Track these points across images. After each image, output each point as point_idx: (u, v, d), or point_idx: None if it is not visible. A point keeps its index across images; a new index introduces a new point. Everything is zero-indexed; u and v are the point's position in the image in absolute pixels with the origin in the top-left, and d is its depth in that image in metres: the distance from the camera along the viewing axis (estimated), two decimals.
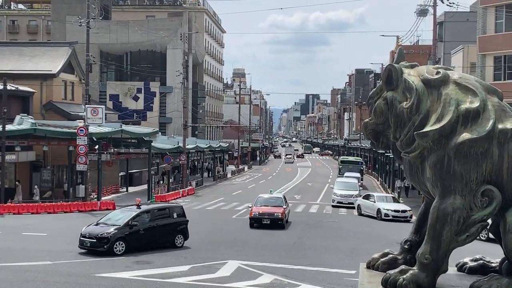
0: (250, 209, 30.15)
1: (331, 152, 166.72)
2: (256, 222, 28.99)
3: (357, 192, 42.89)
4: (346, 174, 53.79)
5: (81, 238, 21.77)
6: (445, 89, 7.25)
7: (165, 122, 75.07)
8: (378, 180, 68.60)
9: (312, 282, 17.55)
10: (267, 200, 30.87)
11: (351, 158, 69.84)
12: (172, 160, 51.38)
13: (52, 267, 19.20)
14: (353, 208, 39.71)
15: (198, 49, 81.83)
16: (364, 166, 69.21)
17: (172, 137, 60.86)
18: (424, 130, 7.10)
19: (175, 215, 23.81)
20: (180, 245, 23.37)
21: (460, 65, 46.60)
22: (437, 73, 7.43)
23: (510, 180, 6.98)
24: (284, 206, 29.99)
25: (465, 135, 6.94)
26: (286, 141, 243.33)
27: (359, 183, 49.55)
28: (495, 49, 42.21)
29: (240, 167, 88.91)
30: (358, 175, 54.80)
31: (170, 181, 53.45)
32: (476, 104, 7.08)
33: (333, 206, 41.43)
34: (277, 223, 28.65)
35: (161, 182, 54.34)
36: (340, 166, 62.94)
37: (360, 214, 37.37)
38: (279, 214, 28.85)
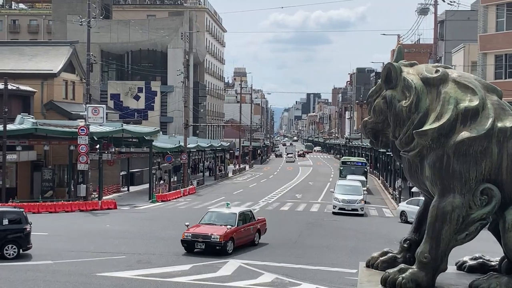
0: (187, 227, 22.59)
1: (313, 149, 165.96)
2: (189, 247, 21.85)
3: (361, 197, 37.97)
4: (349, 177, 48.88)
5: None
6: (444, 88, 7.26)
7: (166, 122, 75.10)
8: (379, 180, 68.54)
9: (313, 281, 17.55)
10: (217, 216, 23.69)
11: (353, 159, 62.82)
12: (173, 159, 51.42)
13: (53, 266, 19.23)
14: (358, 215, 36.11)
15: (199, 48, 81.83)
16: (368, 167, 63.19)
17: (173, 136, 60.88)
18: (423, 128, 7.10)
19: (5, 222, 20.56)
20: (12, 256, 20.25)
21: (461, 63, 46.58)
22: (436, 71, 7.42)
23: (509, 178, 6.98)
24: (229, 227, 22.28)
25: (464, 134, 6.94)
26: (287, 141, 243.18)
27: (364, 188, 43.21)
28: (496, 47, 42.19)
29: (241, 166, 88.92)
30: (362, 178, 48.97)
31: (172, 180, 53.48)
32: (475, 102, 7.08)
33: (334, 213, 36.91)
34: (215, 248, 21.45)
35: (163, 181, 54.38)
36: (341, 168, 55.71)
37: (406, 221, 32.54)
38: (217, 237, 21.43)
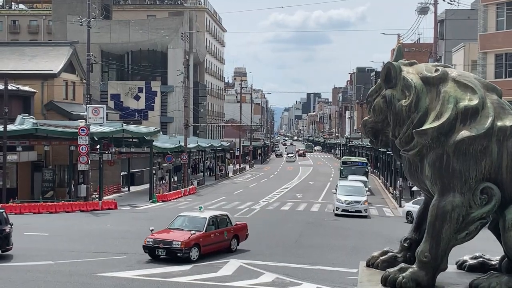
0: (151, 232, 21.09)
1: (314, 149, 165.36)
2: (151, 253, 20.60)
3: (365, 198, 36.85)
4: (350, 177, 47.96)
5: None
6: (444, 87, 7.27)
7: (166, 122, 75.11)
8: (379, 179, 68.53)
9: (314, 281, 17.57)
10: (186, 220, 22.30)
11: (354, 159, 61.63)
12: (174, 159, 51.43)
13: (54, 266, 19.23)
14: (361, 217, 34.93)
15: (199, 48, 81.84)
16: (369, 167, 61.69)
17: (173, 137, 60.88)
18: (423, 128, 7.11)
19: None
20: None
21: (461, 63, 46.59)
22: (436, 70, 7.43)
23: (509, 177, 6.98)
24: (193, 232, 20.73)
25: (464, 133, 6.95)
26: (286, 141, 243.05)
27: (366, 188, 42.29)
28: (496, 46, 42.18)
29: (242, 166, 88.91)
30: (364, 178, 47.93)
31: (172, 180, 53.48)
32: (475, 101, 7.08)
33: (336, 215, 35.47)
34: (176, 255, 20.11)
35: (164, 181, 54.40)
36: (342, 168, 54.90)
37: (411, 222, 30.70)
38: (179, 243, 20.07)
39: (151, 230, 21.09)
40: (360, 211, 35.30)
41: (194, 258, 20.30)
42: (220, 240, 22.00)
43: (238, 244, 22.81)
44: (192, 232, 20.78)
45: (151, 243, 20.50)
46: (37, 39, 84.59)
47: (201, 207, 24.19)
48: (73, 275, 17.95)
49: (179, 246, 20.09)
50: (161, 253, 20.34)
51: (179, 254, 20.10)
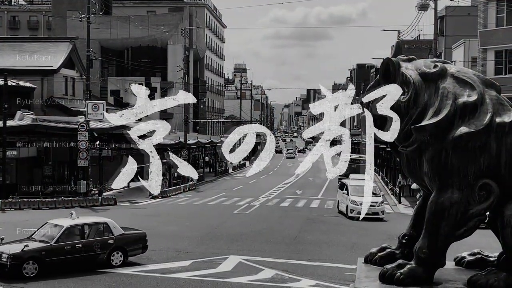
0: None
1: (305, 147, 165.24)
2: None
3: (381, 199, 34.02)
4: (351, 176, 43.35)
5: None
6: (442, 83, 7.24)
7: (166, 118, 74.82)
8: (379, 176, 68.50)
9: (313, 277, 17.62)
10: (48, 229, 18.91)
11: (354, 156, 55.17)
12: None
13: None
14: (378, 220, 32.00)
15: (199, 44, 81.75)
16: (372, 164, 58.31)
17: (173, 133, 60.78)
18: (421, 124, 7.10)
19: None
20: None
21: (461, 59, 46.52)
22: (435, 66, 7.42)
23: (508, 174, 6.97)
24: (25, 244, 17.63)
25: (463, 129, 6.93)
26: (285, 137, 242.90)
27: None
28: (496, 43, 42.11)
29: (241, 162, 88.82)
30: (366, 176, 43.97)
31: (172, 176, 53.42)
32: (473, 97, 7.07)
33: (349, 217, 32.50)
34: (4, 270, 17.11)
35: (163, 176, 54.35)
36: None
37: None
38: (6, 256, 17.04)
39: (1, 239, 18.26)
40: (377, 213, 32.24)
41: (32, 275, 17.16)
42: (86, 253, 18.36)
43: (126, 258, 19.03)
44: (24, 243, 17.70)
45: None
46: (37, 34, 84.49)
47: (72, 213, 19.72)
48: (72, 271, 17.94)
49: (5, 260, 17.04)
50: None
51: (6, 270, 17.02)
